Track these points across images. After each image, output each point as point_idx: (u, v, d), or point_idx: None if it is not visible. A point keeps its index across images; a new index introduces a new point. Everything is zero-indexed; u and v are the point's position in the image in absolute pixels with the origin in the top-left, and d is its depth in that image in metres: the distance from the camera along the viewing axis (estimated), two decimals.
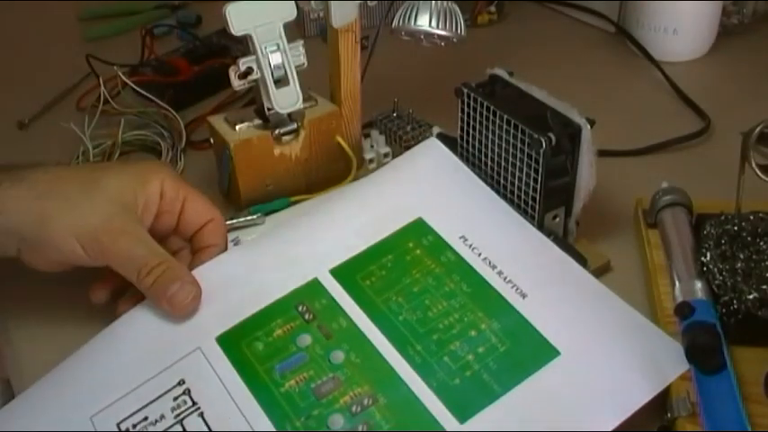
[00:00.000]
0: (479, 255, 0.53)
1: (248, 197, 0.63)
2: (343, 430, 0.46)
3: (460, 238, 0.54)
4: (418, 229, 0.55)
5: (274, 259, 0.54)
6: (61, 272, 0.53)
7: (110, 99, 0.74)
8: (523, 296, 0.51)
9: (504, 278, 0.52)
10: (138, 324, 0.51)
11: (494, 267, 0.53)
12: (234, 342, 0.50)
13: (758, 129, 0.54)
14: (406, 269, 0.53)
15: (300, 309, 0.51)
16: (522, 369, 0.47)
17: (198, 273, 0.53)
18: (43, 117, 0.80)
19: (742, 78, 0.82)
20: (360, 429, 0.46)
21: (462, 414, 0.46)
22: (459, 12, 0.63)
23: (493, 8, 0.92)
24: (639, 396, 0.46)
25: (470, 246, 0.54)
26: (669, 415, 0.46)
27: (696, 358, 0.47)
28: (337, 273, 0.53)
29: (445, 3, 0.62)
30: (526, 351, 0.48)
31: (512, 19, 0.94)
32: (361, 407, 0.46)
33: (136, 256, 0.51)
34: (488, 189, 0.58)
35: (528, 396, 0.46)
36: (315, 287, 0.52)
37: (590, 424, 0.45)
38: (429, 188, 0.58)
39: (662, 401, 0.48)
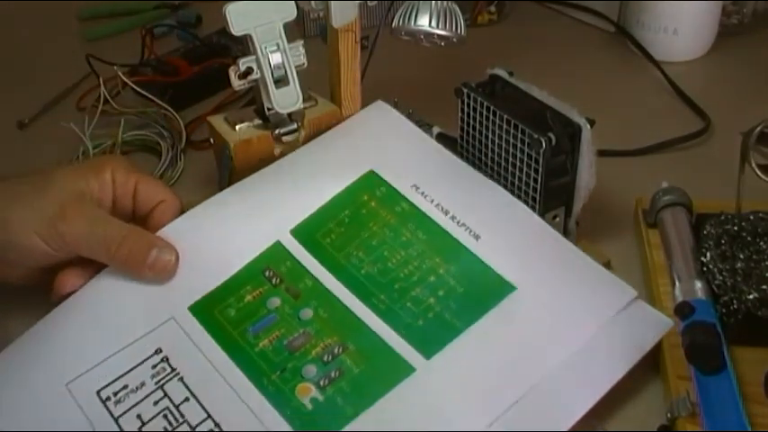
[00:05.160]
0: (432, 201, 0.55)
1: None
2: (317, 378, 0.47)
3: (412, 186, 0.56)
4: (371, 182, 0.57)
5: (236, 226, 0.55)
6: (34, 284, 0.54)
7: (110, 99, 0.74)
8: (477, 238, 0.53)
9: (458, 222, 0.54)
10: (106, 294, 0.52)
11: (446, 213, 0.54)
12: (206, 310, 0.51)
13: (758, 129, 0.54)
14: (363, 223, 0.55)
15: (267, 274, 0.53)
16: (482, 305, 0.50)
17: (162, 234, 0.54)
18: (43, 117, 0.80)
19: (742, 78, 0.82)
20: (333, 375, 0.48)
21: (427, 350, 0.48)
22: (459, 12, 0.63)
23: (493, 8, 0.92)
24: (592, 324, 0.48)
25: (422, 193, 0.56)
26: (669, 415, 0.46)
27: (696, 358, 0.47)
28: (298, 233, 0.55)
29: (445, 3, 0.62)
30: (484, 289, 0.51)
31: (512, 19, 0.94)
32: (332, 355, 0.49)
33: (100, 233, 0.51)
34: (435, 143, 0.60)
35: (489, 329, 0.49)
36: (278, 251, 0.54)
37: (550, 349, 0.48)
38: (378, 142, 0.60)
39: (662, 401, 0.48)
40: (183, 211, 0.57)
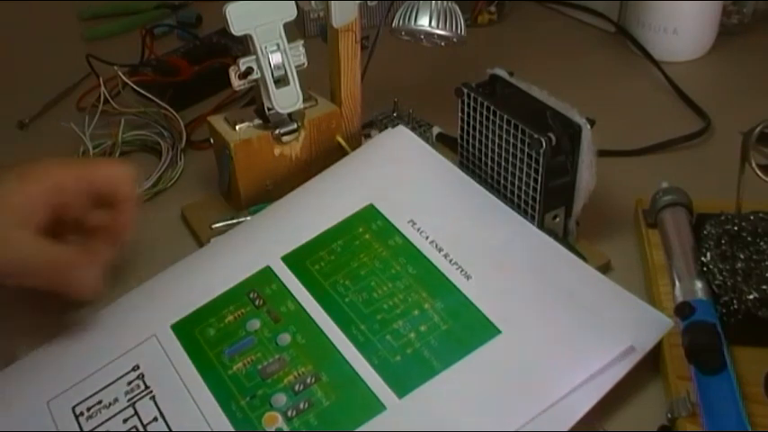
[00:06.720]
0: (427, 238, 0.55)
1: (248, 197, 0.63)
2: (285, 408, 0.47)
3: (409, 222, 0.56)
4: (368, 215, 0.57)
5: (230, 249, 0.56)
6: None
7: (110, 99, 0.74)
8: (468, 278, 0.52)
9: (450, 260, 0.53)
10: (96, 315, 0.53)
11: (440, 250, 0.54)
12: (187, 329, 0.52)
13: (758, 129, 0.54)
14: (354, 253, 0.55)
15: (251, 295, 0.53)
16: (463, 346, 0.49)
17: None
18: (43, 117, 0.80)
19: (742, 78, 0.82)
20: (301, 407, 0.47)
21: (401, 389, 0.47)
22: (459, 12, 0.63)
23: (493, 8, 0.92)
24: (578, 375, 0.46)
25: (418, 229, 0.55)
26: (669, 415, 0.46)
27: (696, 358, 0.47)
28: (288, 259, 0.55)
29: (445, 3, 0.62)
30: (467, 329, 0.49)
31: (512, 19, 0.94)
32: (304, 385, 0.48)
33: (23, 260, 0.48)
34: (454, 168, 0.58)
35: (466, 372, 0.48)
36: (266, 274, 0.54)
37: (530, 399, 0.46)
38: (385, 173, 0.59)
39: (662, 401, 0.48)
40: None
